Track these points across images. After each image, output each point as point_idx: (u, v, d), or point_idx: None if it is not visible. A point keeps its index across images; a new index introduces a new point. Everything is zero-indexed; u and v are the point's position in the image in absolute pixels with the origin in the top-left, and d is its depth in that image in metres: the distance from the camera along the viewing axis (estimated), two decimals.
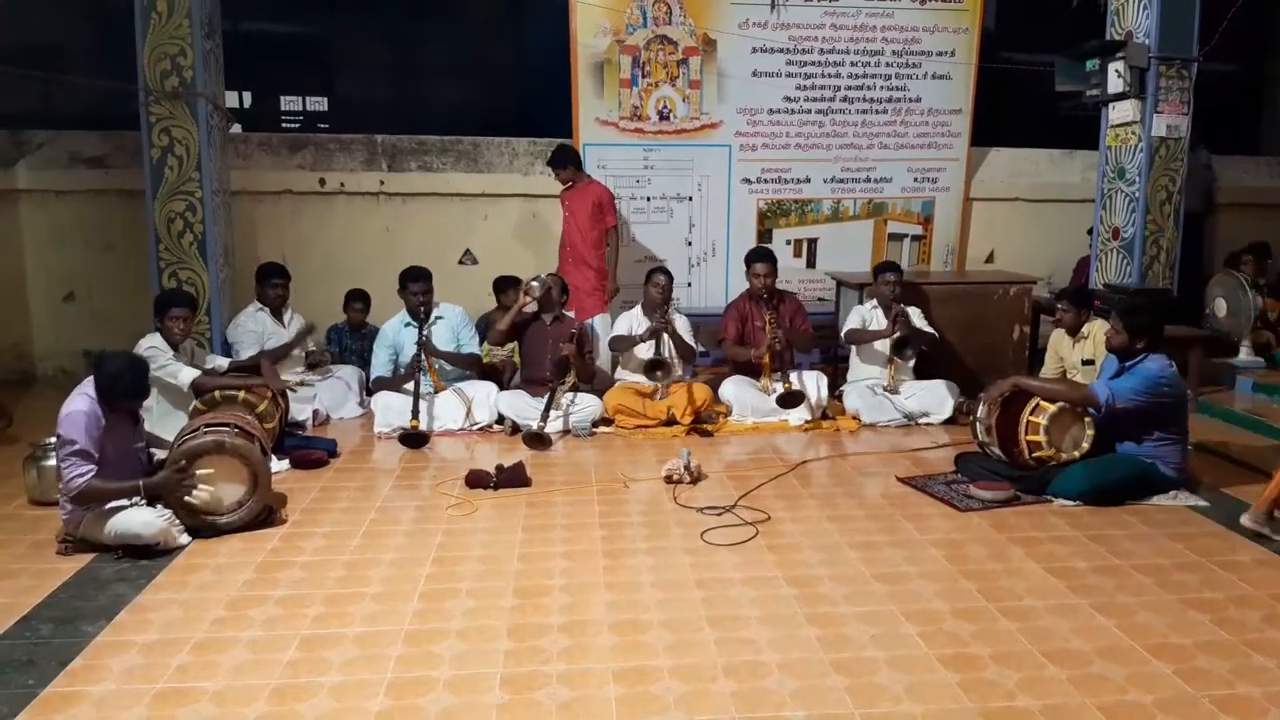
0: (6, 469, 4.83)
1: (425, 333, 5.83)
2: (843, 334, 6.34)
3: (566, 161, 6.71)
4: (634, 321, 6.15)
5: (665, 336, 5.87)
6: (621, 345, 6.10)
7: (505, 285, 6.81)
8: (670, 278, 6.13)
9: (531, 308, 6.05)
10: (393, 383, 5.87)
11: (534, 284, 5.99)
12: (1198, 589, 3.54)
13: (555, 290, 6.07)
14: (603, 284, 6.72)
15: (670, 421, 5.74)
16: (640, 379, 6.00)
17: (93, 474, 3.75)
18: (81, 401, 3.83)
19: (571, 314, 6.23)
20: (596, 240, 6.70)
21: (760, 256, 6.21)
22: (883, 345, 6.08)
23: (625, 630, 3.18)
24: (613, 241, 6.79)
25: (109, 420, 3.86)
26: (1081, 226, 7.85)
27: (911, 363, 6.11)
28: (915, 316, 6.14)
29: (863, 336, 6.19)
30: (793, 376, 5.85)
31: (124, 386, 3.89)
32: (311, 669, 2.94)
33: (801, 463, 5.18)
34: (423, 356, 5.74)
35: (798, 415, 5.87)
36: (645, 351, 5.95)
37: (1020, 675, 2.90)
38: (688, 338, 6.09)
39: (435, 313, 6.04)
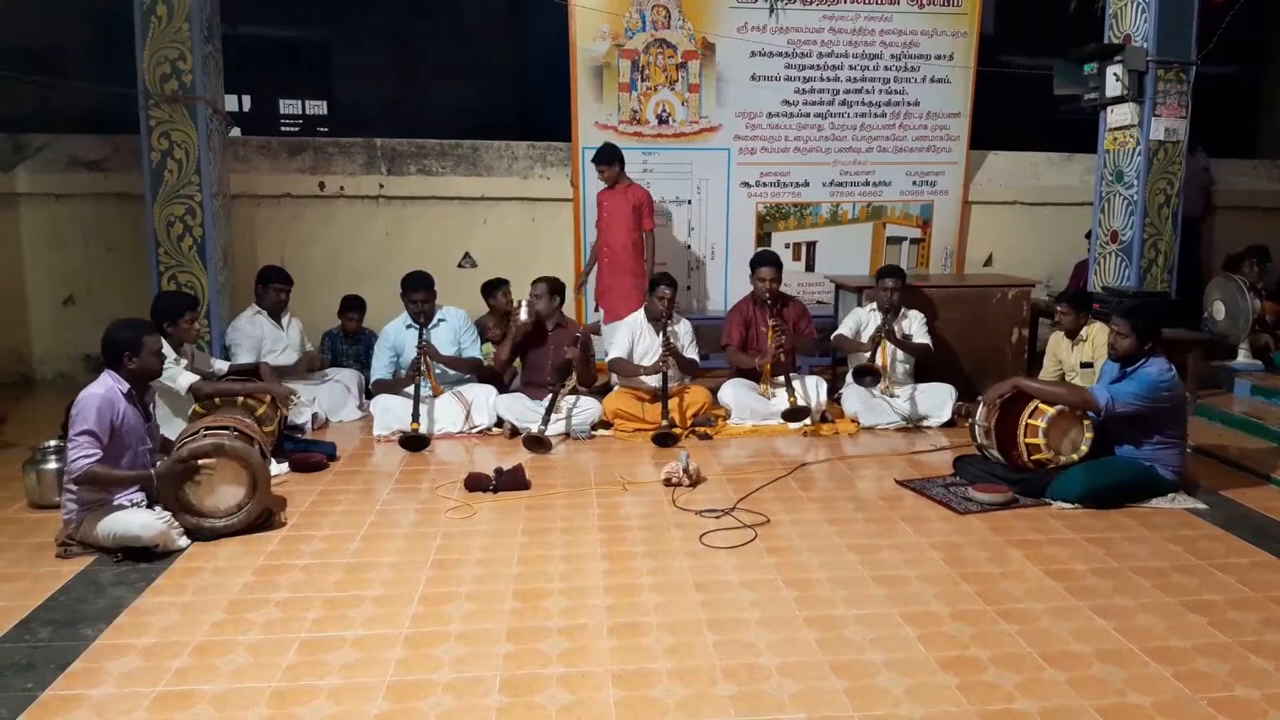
0: (6, 472, 4.84)
1: (426, 336, 5.83)
2: (833, 336, 6.35)
3: (615, 158, 6.67)
4: (636, 330, 6.10)
5: (670, 359, 5.84)
6: (625, 371, 6.05)
7: (492, 288, 6.82)
8: (674, 288, 6.05)
9: (524, 314, 6.01)
10: (393, 385, 5.88)
11: (521, 314, 5.93)
12: (1196, 591, 3.55)
13: (544, 304, 6.00)
14: (638, 288, 6.68)
15: (671, 426, 5.72)
16: (639, 388, 6.01)
17: (97, 458, 3.76)
18: (99, 386, 3.88)
19: (573, 319, 6.23)
20: (635, 243, 6.69)
21: (765, 261, 6.20)
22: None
23: (624, 633, 3.18)
24: (649, 245, 6.77)
25: (124, 407, 3.88)
26: (1080, 230, 7.87)
27: (880, 384, 6.01)
28: (916, 322, 6.13)
29: (846, 346, 6.21)
30: (795, 386, 5.83)
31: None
32: (311, 672, 2.94)
33: (800, 465, 5.19)
34: (423, 360, 5.74)
35: (799, 422, 5.86)
36: (651, 380, 5.94)
37: (1020, 677, 2.90)
38: (691, 350, 6.07)
39: (438, 315, 6.04)
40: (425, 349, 5.76)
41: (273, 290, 6.07)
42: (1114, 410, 4.42)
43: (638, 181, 6.89)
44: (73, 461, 3.77)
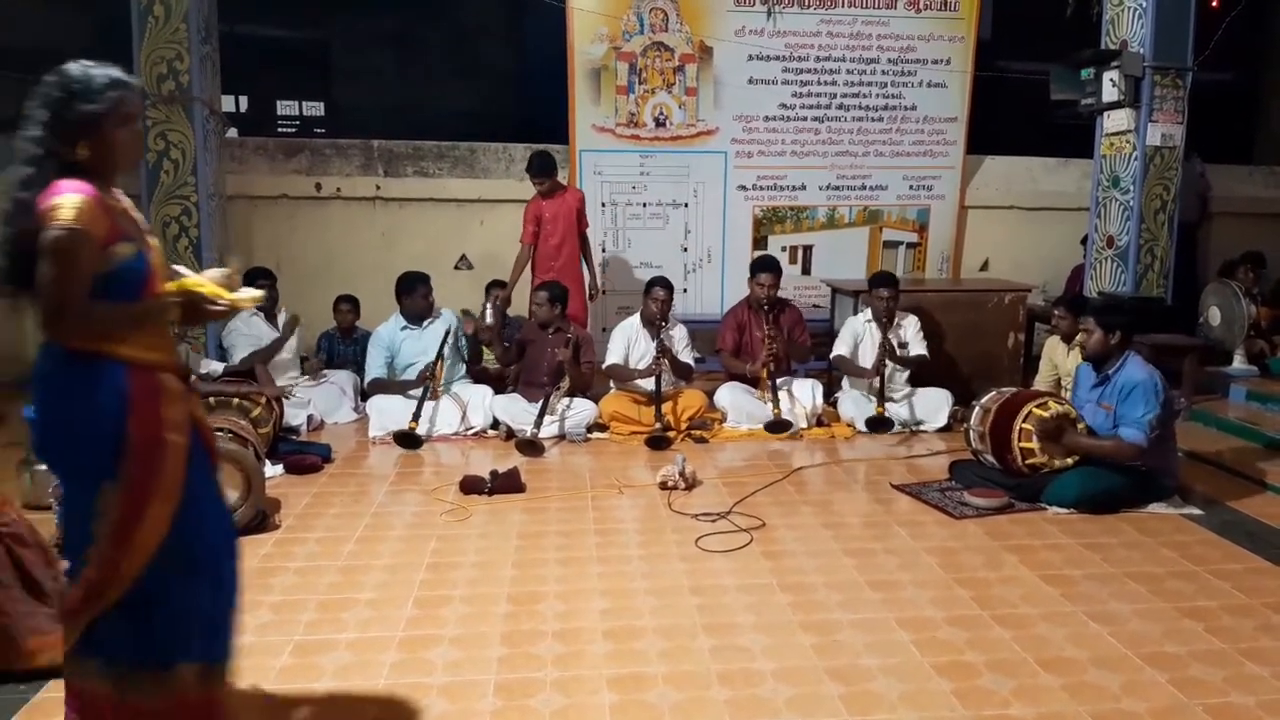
0: (1, 474, 4.82)
1: (490, 321, 5.95)
2: (832, 357, 6.28)
3: (553, 169, 6.49)
4: (631, 334, 6.08)
5: (665, 361, 5.83)
6: (621, 376, 6.04)
7: (489, 287, 6.83)
8: (670, 290, 5.99)
9: (488, 317, 6.02)
10: (400, 386, 5.86)
11: (486, 318, 6.00)
12: (1192, 597, 3.55)
13: (545, 311, 5.99)
14: (583, 293, 6.64)
15: (666, 429, 5.72)
16: (635, 391, 6.00)
17: None
18: None
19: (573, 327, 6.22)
20: (577, 249, 6.61)
21: (765, 266, 6.16)
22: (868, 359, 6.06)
23: (619, 637, 3.18)
24: (588, 246, 6.71)
25: None
26: (1076, 235, 7.88)
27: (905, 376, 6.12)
28: (912, 329, 6.12)
29: (850, 370, 6.13)
30: (781, 396, 5.83)
31: None
32: (304, 675, 2.92)
33: (796, 469, 5.18)
34: (436, 364, 5.75)
35: (783, 432, 5.84)
36: (645, 384, 5.93)
37: (1014, 683, 2.90)
38: (685, 354, 6.06)
39: (434, 315, 6.05)
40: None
41: (258, 289, 6.04)
42: (1151, 439, 4.37)
43: (630, 185, 6.85)
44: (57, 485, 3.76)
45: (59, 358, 2.19)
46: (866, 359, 6.07)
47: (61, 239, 2.08)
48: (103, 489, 2.13)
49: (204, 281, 2.31)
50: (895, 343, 5.95)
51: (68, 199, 2.11)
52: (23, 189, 2.15)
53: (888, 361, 5.87)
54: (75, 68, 2.22)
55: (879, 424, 5.74)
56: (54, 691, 2.82)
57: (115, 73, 2.24)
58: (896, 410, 5.96)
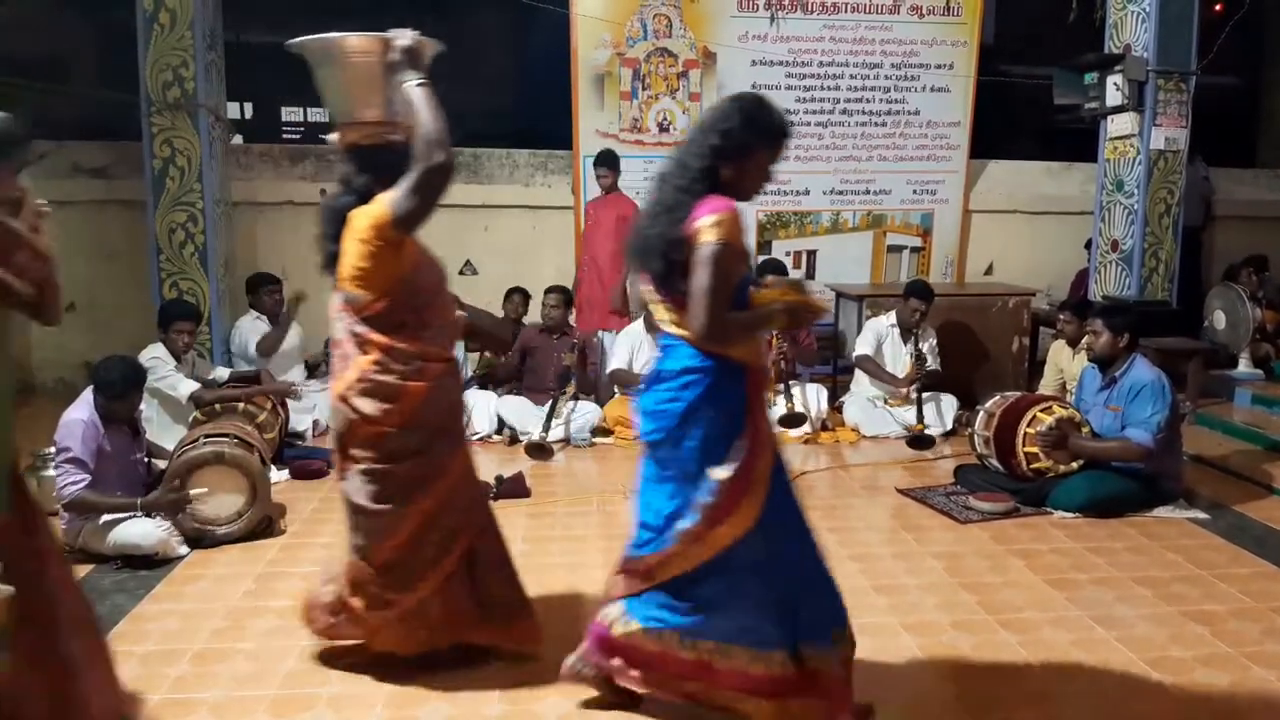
0: None
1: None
2: (854, 356, 6.24)
3: (613, 165, 6.61)
4: (635, 341, 6.08)
5: None
6: (626, 381, 6.03)
7: (509, 294, 6.83)
8: None
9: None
10: None
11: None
12: (1197, 601, 3.54)
13: (558, 314, 6.06)
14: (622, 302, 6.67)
15: None
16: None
17: (85, 484, 3.75)
18: (82, 410, 3.84)
19: (575, 328, 6.24)
20: (617, 256, 6.60)
21: (774, 269, 6.19)
22: (895, 363, 6.07)
23: None
24: None
25: (107, 430, 3.86)
26: (1080, 239, 7.87)
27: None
28: (928, 342, 6.11)
29: (876, 373, 6.09)
30: (795, 393, 5.83)
31: (117, 388, 3.88)
32: (310, 680, 2.93)
33: (801, 474, 5.18)
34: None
35: (798, 429, 5.85)
36: None
37: (1019, 688, 2.89)
38: None
39: None
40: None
41: (265, 294, 6.04)
42: (1159, 441, 4.37)
43: (634, 190, 6.80)
44: (61, 488, 3.77)
45: (696, 358, 2.38)
46: (886, 361, 6.09)
47: (720, 253, 2.27)
48: (708, 474, 2.32)
49: (786, 290, 2.48)
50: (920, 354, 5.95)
51: (726, 216, 2.29)
52: (682, 193, 2.34)
53: (910, 358, 5.90)
54: (757, 100, 2.44)
55: (920, 442, 5.68)
56: None
57: (782, 118, 2.42)
58: (901, 415, 5.95)
